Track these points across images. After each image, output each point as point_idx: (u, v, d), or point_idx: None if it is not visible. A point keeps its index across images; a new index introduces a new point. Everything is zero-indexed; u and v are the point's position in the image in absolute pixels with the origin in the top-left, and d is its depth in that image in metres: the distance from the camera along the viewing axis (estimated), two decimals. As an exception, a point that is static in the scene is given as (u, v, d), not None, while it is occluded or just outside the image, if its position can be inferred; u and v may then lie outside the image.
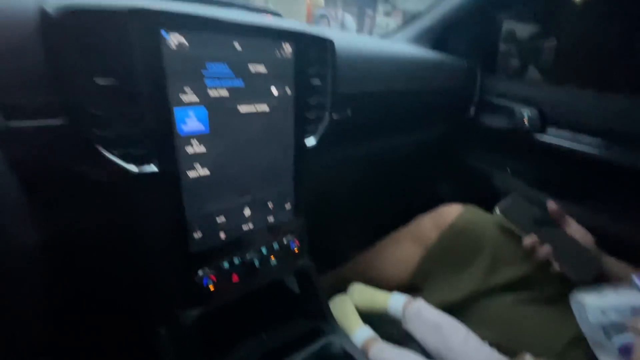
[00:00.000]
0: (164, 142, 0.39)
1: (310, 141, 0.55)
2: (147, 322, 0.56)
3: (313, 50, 0.51)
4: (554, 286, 0.62)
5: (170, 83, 0.38)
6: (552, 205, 0.62)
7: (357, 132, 0.72)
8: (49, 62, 0.32)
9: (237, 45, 0.42)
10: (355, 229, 1.06)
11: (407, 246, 0.77)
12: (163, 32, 0.36)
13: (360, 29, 4.85)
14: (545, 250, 0.58)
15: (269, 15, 0.56)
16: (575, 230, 0.62)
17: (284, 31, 0.46)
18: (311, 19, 3.82)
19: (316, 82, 0.53)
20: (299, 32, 0.48)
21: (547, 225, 0.62)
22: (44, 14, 0.31)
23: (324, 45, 0.52)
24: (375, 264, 0.81)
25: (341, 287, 0.78)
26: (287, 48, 0.47)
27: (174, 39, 0.37)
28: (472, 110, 0.96)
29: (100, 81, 0.34)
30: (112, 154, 0.37)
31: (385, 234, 0.85)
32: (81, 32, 0.32)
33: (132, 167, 0.38)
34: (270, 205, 0.54)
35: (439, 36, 0.93)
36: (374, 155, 0.84)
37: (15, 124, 0.25)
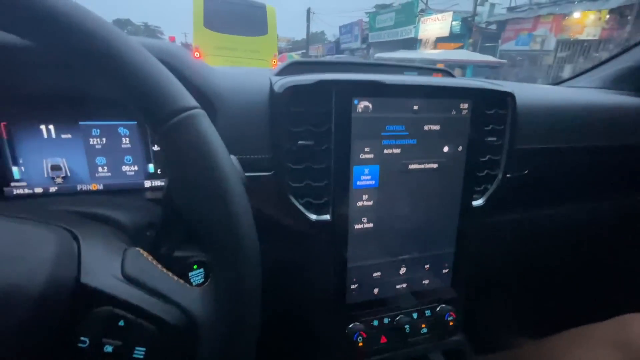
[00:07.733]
0: (340, 194, 0.42)
1: (478, 202, 0.50)
2: None
3: (492, 106, 0.48)
4: None
5: (353, 144, 0.41)
6: None
7: (534, 194, 0.61)
8: (271, 128, 0.40)
9: (415, 107, 0.43)
10: (520, 311, 0.86)
11: (606, 353, 0.56)
12: (355, 100, 0.40)
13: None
14: None
15: (439, 74, 0.57)
16: None
17: (462, 89, 0.45)
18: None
19: (491, 139, 0.49)
20: (477, 88, 0.46)
21: None
22: (272, 91, 0.41)
23: (504, 99, 0.48)
24: None
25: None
26: (464, 106, 0.45)
27: (362, 105, 0.41)
28: None
29: (302, 143, 0.40)
30: (299, 202, 0.42)
31: (561, 324, 0.65)
32: (295, 103, 0.40)
33: (312, 215, 0.42)
34: (427, 266, 0.50)
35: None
36: (551, 222, 0.69)
37: (248, 174, 0.33)
